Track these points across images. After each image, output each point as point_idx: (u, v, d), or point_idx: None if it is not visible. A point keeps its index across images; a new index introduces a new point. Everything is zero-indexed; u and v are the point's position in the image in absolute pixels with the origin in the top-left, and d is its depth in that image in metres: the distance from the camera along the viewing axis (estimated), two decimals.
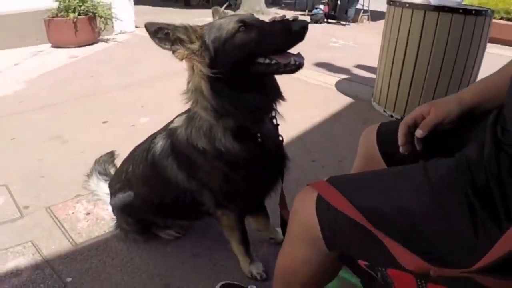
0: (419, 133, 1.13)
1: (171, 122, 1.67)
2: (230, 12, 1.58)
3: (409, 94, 3.58)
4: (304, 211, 1.06)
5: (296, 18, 1.29)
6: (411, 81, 3.52)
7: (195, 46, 1.34)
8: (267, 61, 1.30)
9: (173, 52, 1.34)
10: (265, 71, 1.33)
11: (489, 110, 1.05)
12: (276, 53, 1.30)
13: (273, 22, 1.34)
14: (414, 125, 1.16)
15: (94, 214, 2.28)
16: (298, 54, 1.32)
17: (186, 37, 1.34)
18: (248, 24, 1.30)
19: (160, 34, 1.31)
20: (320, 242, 1.02)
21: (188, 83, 1.43)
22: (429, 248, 0.87)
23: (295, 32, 1.24)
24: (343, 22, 10.54)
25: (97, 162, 2.38)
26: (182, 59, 1.36)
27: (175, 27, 1.32)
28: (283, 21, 1.30)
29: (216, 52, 1.31)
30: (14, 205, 2.36)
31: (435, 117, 1.13)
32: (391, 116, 3.75)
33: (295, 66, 1.30)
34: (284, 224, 1.64)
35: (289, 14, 1.30)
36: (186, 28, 1.34)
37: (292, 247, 1.14)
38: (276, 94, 1.46)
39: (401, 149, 1.17)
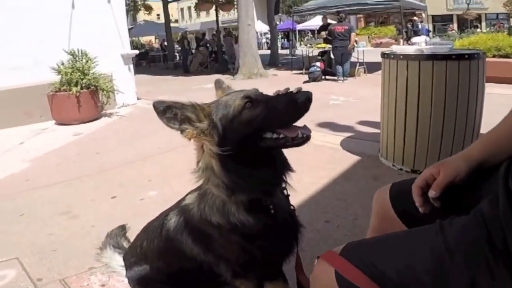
0: (432, 193, 1.14)
1: (183, 199, 1.67)
2: (232, 87, 1.59)
3: (416, 145, 3.55)
4: (325, 278, 1.05)
5: (300, 90, 1.30)
6: (416, 132, 3.51)
7: (204, 125, 1.34)
8: (274, 135, 1.31)
9: (182, 131, 1.34)
10: (273, 146, 1.34)
11: (498, 162, 1.08)
12: (283, 127, 1.31)
13: (278, 95, 1.36)
14: (427, 186, 1.18)
15: (109, 286, 2.24)
16: (305, 127, 1.33)
17: (195, 115, 1.34)
18: (254, 100, 1.31)
19: (169, 113, 1.31)
20: None
21: (198, 162, 1.43)
22: None
23: (300, 104, 1.25)
24: (341, 78, 10.73)
25: (109, 235, 2.35)
26: (190, 139, 1.36)
27: (183, 106, 1.33)
28: (287, 94, 1.32)
29: (224, 130, 1.32)
30: (27, 277, 2.34)
31: (445, 177, 1.15)
32: (401, 169, 3.71)
33: (303, 139, 1.31)
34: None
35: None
36: (194, 107, 1.35)
37: None
38: (285, 167, 1.47)
39: (420, 210, 1.17)
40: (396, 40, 21.35)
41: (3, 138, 6.07)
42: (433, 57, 3.35)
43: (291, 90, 1.35)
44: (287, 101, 1.28)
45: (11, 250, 2.65)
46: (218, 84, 1.59)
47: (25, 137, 6.09)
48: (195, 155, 1.43)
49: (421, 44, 3.83)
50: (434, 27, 28.16)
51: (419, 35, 12.37)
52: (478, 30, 20.94)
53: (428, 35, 15.95)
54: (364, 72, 11.83)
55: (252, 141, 1.31)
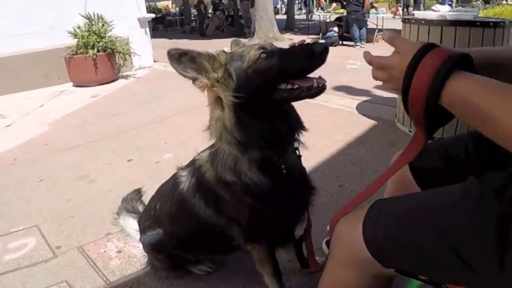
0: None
1: (195, 158, 1.66)
2: (248, 43, 1.55)
3: None
4: (348, 235, 1.05)
5: (316, 42, 1.27)
6: None
7: (218, 74, 1.33)
8: (289, 86, 1.28)
9: (194, 81, 1.33)
10: (288, 97, 1.30)
11: None
12: (298, 77, 1.28)
13: (293, 47, 1.33)
14: None
15: (125, 252, 2.28)
16: (320, 77, 1.30)
17: (209, 64, 1.33)
18: (269, 51, 1.29)
19: (184, 60, 1.30)
20: (368, 264, 1.00)
21: (211, 118, 1.41)
22: None
23: (316, 54, 1.22)
24: (358, 43, 10.64)
25: (124, 200, 2.39)
26: (203, 88, 1.34)
27: (199, 53, 1.32)
28: (303, 45, 1.29)
29: (239, 80, 1.30)
30: (47, 246, 2.40)
31: None
32: None
33: (318, 89, 1.27)
34: (301, 257, 1.75)
35: (303, 39, 1.29)
36: (209, 55, 1.34)
37: (335, 272, 1.12)
38: (298, 125, 1.44)
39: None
40: (394, 11, 20.31)
41: (23, 101, 6.17)
42: (456, 23, 3.25)
43: (307, 42, 1.32)
44: (303, 51, 1.25)
45: (31, 217, 2.71)
46: (236, 43, 1.57)
47: (44, 99, 6.19)
48: (209, 110, 1.41)
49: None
50: None
51: (442, 5, 12.07)
52: (504, 2, 20.14)
53: (451, 5, 15.42)
54: (383, 39, 11.62)
55: (266, 92, 1.29)
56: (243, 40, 1.59)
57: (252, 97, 1.29)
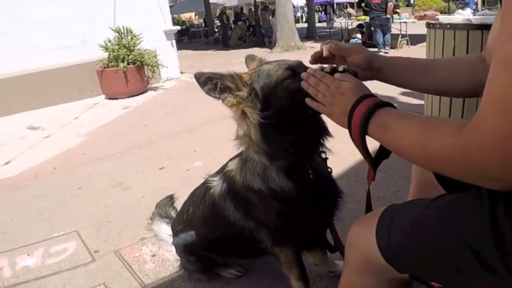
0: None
1: (226, 165, 1.72)
2: (266, 57, 1.59)
3: (462, 117, 3.37)
4: (362, 241, 1.07)
5: (346, 69, 1.23)
6: (463, 103, 3.34)
7: (243, 93, 1.38)
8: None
9: (222, 100, 1.38)
10: (313, 113, 1.30)
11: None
12: None
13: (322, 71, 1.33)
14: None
15: (159, 256, 2.37)
16: None
17: (233, 85, 1.36)
18: (298, 73, 1.27)
19: (209, 83, 1.35)
20: (383, 270, 1.01)
21: (238, 130, 1.46)
22: None
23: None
24: (382, 50, 10.53)
25: (158, 205, 2.48)
26: (231, 107, 1.39)
27: (222, 76, 1.35)
28: (332, 72, 1.28)
29: (265, 98, 1.33)
30: (86, 250, 2.51)
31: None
32: None
33: None
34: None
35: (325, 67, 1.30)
36: (232, 76, 1.36)
37: (351, 279, 1.14)
38: (323, 132, 1.47)
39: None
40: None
41: (59, 113, 6.44)
42: (483, 27, 3.11)
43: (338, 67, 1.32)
44: (331, 73, 1.24)
45: (71, 223, 2.85)
46: (251, 57, 1.61)
47: (79, 112, 6.44)
48: (235, 124, 1.47)
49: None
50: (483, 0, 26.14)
51: (462, 8, 11.72)
52: None
53: (475, 9, 14.95)
54: (407, 44, 11.48)
55: (292, 111, 1.32)
56: (262, 54, 1.63)
57: (278, 115, 1.33)
